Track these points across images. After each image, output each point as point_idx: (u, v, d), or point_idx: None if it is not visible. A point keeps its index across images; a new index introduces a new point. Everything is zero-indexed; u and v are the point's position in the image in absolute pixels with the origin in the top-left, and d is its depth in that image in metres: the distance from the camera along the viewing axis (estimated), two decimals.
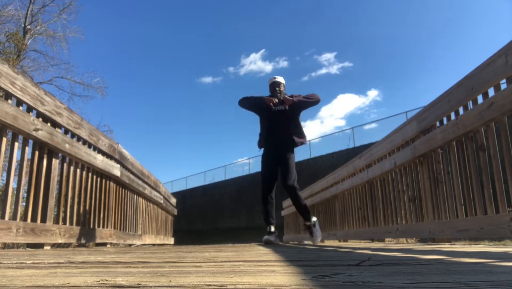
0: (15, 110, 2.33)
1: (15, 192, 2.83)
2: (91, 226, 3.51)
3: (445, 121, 2.84)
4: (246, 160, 26.18)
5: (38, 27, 18.89)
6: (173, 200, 8.54)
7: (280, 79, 4.29)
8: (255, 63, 47.87)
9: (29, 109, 2.55)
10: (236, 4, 48.81)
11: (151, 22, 46.20)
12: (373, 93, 43.59)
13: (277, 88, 4.20)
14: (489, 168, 2.33)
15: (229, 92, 46.06)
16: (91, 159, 3.42)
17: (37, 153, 2.67)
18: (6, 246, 4.17)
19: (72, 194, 3.16)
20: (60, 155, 2.97)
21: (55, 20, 19.34)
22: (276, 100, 4.08)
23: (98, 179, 3.72)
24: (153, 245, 5.79)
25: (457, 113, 2.66)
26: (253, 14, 48.96)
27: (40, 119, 2.64)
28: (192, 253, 1.95)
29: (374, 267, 1.00)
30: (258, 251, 2.15)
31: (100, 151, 3.69)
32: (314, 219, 4.20)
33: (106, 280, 0.74)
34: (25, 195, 2.66)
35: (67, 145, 2.93)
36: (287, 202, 8.68)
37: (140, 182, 5.14)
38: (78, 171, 3.28)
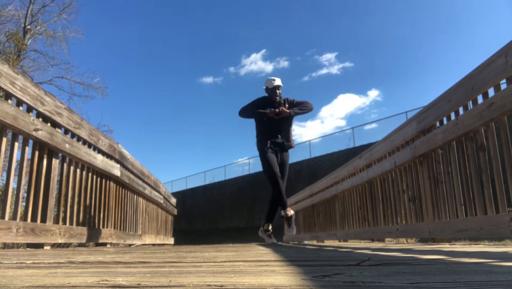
0: (15, 111, 2.33)
1: (15, 192, 2.83)
2: (91, 226, 3.51)
3: (445, 122, 2.84)
4: (246, 159, 26.20)
5: (38, 27, 18.90)
6: (173, 200, 8.54)
7: (279, 81, 4.34)
8: (256, 63, 47.90)
9: (29, 109, 2.55)
10: (237, 4, 48.81)
11: (151, 21, 46.20)
12: (373, 93, 43.64)
13: (278, 92, 4.30)
14: (489, 168, 2.33)
15: (230, 93, 46.11)
16: (91, 158, 3.42)
17: (37, 152, 2.67)
18: (6, 246, 4.17)
19: (72, 194, 3.16)
20: (60, 155, 2.97)
21: (55, 20, 19.35)
22: (278, 110, 4.18)
23: (98, 179, 3.72)
24: (153, 245, 5.79)
25: (457, 113, 2.66)
26: (254, 14, 48.97)
27: (40, 119, 2.64)
28: (192, 253, 1.95)
29: (374, 267, 1.00)
30: (258, 251, 2.15)
31: (100, 151, 3.69)
32: (292, 212, 4.37)
33: (106, 280, 0.74)
34: (25, 195, 2.66)
35: (67, 145, 2.94)
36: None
37: (140, 182, 5.14)
38: (78, 170, 3.28)
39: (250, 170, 24.88)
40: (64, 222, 3.02)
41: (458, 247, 2.34)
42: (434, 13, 44.03)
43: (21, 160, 2.55)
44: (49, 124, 2.74)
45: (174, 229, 8.70)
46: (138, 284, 0.69)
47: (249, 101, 4.36)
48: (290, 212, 4.23)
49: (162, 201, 6.87)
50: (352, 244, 4.17)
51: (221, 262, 1.24)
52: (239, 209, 22.71)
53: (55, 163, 2.86)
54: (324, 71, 42.74)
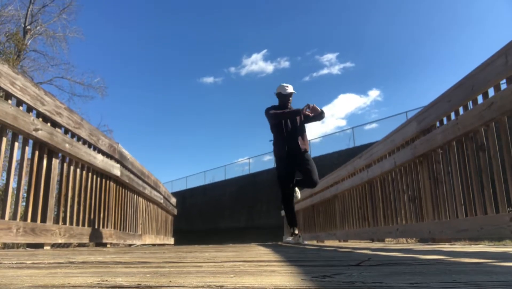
0: (15, 110, 2.33)
1: (15, 192, 2.83)
2: (91, 226, 3.51)
3: (445, 121, 2.84)
4: (246, 159, 26.20)
5: (38, 27, 18.89)
6: (173, 200, 8.54)
7: (292, 89, 4.30)
8: (257, 63, 47.93)
9: (29, 109, 2.55)
10: (238, 4, 48.82)
11: (152, 21, 46.19)
12: (374, 93, 43.63)
13: (290, 99, 4.29)
14: (489, 168, 2.33)
15: (230, 93, 46.12)
16: (91, 158, 3.42)
17: (37, 152, 2.67)
18: (6, 246, 4.17)
19: (72, 194, 3.16)
20: (60, 154, 2.97)
21: (55, 20, 19.34)
22: (309, 105, 4.18)
23: (98, 178, 3.72)
24: (153, 245, 5.79)
25: (457, 113, 2.66)
26: (255, 14, 48.98)
27: (40, 119, 2.64)
28: (192, 253, 1.95)
29: (374, 267, 1.00)
30: (258, 251, 2.15)
31: (100, 151, 3.69)
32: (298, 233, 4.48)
33: (106, 280, 0.74)
34: (25, 194, 2.66)
35: (67, 145, 2.93)
36: None
37: (140, 182, 5.14)
38: (78, 170, 3.28)
39: (250, 170, 24.89)
40: (64, 222, 3.02)
41: (458, 247, 2.34)
42: (435, 13, 44.04)
43: (21, 159, 2.55)
44: (49, 124, 2.74)
45: (174, 229, 8.70)
46: (138, 284, 0.69)
47: (268, 108, 4.31)
48: (296, 231, 4.37)
49: (162, 201, 6.87)
50: (352, 244, 4.17)
51: (221, 262, 1.24)
52: (239, 209, 22.70)
53: (55, 162, 2.86)
54: (325, 71, 42.76)
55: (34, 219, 2.60)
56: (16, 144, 2.44)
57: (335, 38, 48.39)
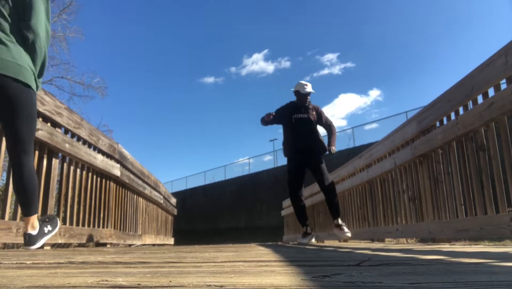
0: None
1: (15, 192, 2.82)
2: (91, 226, 3.51)
3: (445, 121, 2.84)
4: (247, 159, 26.23)
5: None
6: (173, 200, 8.54)
7: (311, 88, 4.24)
8: (257, 63, 47.96)
9: None
10: (239, 4, 48.84)
11: (152, 21, 46.23)
12: (374, 93, 43.67)
13: (308, 98, 4.23)
14: (489, 168, 2.33)
15: (231, 93, 46.12)
16: (91, 158, 3.42)
17: (37, 152, 2.66)
18: (6, 246, 4.17)
19: (72, 194, 3.15)
20: (60, 154, 2.97)
21: (55, 20, 19.33)
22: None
23: (98, 178, 3.72)
24: (153, 245, 5.79)
25: (457, 113, 2.66)
26: (256, 14, 49.01)
27: (40, 119, 2.64)
28: (192, 253, 1.95)
29: (374, 267, 1.00)
30: (258, 251, 2.15)
31: (100, 151, 3.69)
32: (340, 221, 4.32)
33: (106, 280, 0.74)
34: None
35: (67, 145, 2.93)
36: (287, 202, 8.68)
37: (140, 182, 5.14)
38: (78, 170, 3.28)
39: (250, 170, 24.91)
40: (64, 222, 3.02)
41: (458, 247, 2.34)
42: (436, 14, 44.06)
43: None
44: (49, 124, 2.74)
45: (174, 229, 8.70)
46: (138, 284, 0.69)
47: (277, 108, 4.32)
48: (309, 230, 4.33)
49: (162, 201, 6.87)
50: (352, 244, 4.17)
51: (221, 262, 1.24)
52: (239, 209, 22.70)
53: (55, 162, 2.86)
54: (325, 71, 42.83)
55: None
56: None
57: (336, 39, 48.45)
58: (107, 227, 3.90)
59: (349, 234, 4.14)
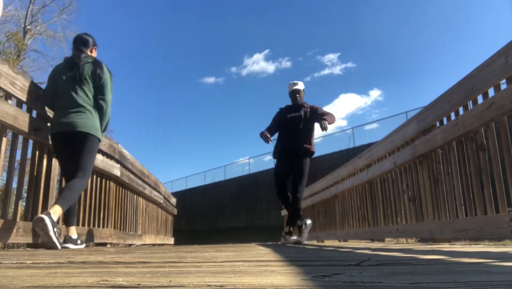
0: (15, 111, 2.33)
1: (15, 192, 2.83)
2: (91, 226, 3.51)
3: (445, 122, 2.84)
4: (247, 159, 26.18)
5: (38, 27, 18.91)
6: (173, 200, 8.54)
7: (299, 85, 4.23)
8: (258, 63, 47.99)
9: (29, 109, 2.55)
10: (241, 4, 48.84)
11: (153, 21, 46.24)
12: (375, 93, 43.67)
13: (297, 96, 4.19)
14: (489, 168, 2.33)
15: (231, 93, 46.13)
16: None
17: (37, 152, 2.67)
18: (6, 246, 4.17)
19: None
20: None
21: (55, 20, 19.36)
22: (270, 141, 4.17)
23: (98, 178, 3.71)
24: (153, 245, 5.79)
25: (457, 113, 2.66)
26: (257, 14, 49.02)
27: (40, 119, 2.64)
28: (192, 253, 1.95)
29: (374, 267, 1.00)
30: (258, 251, 2.15)
31: (100, 151, 3.68)
32: (309, 221, 4.34)
33: (106, 280, 0.74)
34: (25, 194, 2.66)
35: None
36: None
37: (140, 182, 5.14)
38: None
39: (250, 170, 24.88)
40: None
41: (458, 247, 2.34)
42: (436, 14, 44.06)
43: (21, 159, 2.55)
44: (49, 124, 2.74)
45: (174, 229, 8.70)
46: (138, 284, 0.69)
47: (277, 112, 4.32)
48: (300, 222, 4.22)
49: (162, 201, 6.87)
50: (352, 244, 4.16)
51: (221, 262, 1.24)
52: (239, 209, 22.70)
53: (55, 162, 2.86)
54: (326, 71, 42.84)
55: None
56: (17, 144, 2.44)
57: (336, 39, 48.46)
58: (107, 227, 3.90)
59: (304, 240, 4.14)
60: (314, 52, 46.53)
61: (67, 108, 2.67)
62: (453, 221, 2.72)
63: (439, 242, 2.99)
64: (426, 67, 45.04)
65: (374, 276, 0.79)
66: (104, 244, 3.79)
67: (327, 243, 5.53)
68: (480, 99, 2.38)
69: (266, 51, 50.39)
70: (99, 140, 2.82)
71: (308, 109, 4.16)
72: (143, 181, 5.35)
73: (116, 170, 4.03)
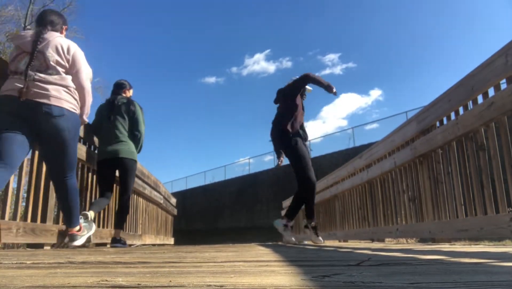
0: None
1: (15, 192, 2.83)
2: None
3: (445, 121, 2.84)
4: (247, 159, 26.19)
5: None
6: (173, 200, 8.53)
7: (290, 79, 4.15)
8: (259, 63, 48.04)
9: None
10: (241, 4, 48.86)
11: (153, 21, 46.26)
12: (375, 93, 43.70)
13: (288, 86, 4.12)
14: (489, 168, 2.33)
15: (232, 93, 46.15)
16: (91, 159, 3.42)
17: (37, 153, 2.66)
18: (6, 246, 4.17)
19: None
20: None
21: None
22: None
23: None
24: (153, 245, 5.79)
25: (457, 113, 2.66)
26: (258, 14, 49.04)
27: None
28: (192, 253, 1.95)
29: (374, 267, 1.00)
30: (258, 251, 2.15)
31: None
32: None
33: (106, 280, 0.74)
34: (25, 195, 2.66)
35: None
36: (287, 202, 8.68)
37: (140, 182, 5.13)
38: (79, 171, 3.28)
39: (250, 170, 24.88)
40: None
41: (458, 247, 2.35)
42: (436, 14, 44.08)
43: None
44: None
45: (174, 229, 8.70)
46: (138, 284, 0.69)
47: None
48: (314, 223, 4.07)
49: (162, 201, 6.87)
50: (352, 244, 4.16)
51: (221, 262, 1.24)
52: (239, 209, 22.69)
53: None
54: (327, 71, 42.81)
55: (34, 219, 2.60)
56: None
57: (337, 39, 48.49)
58: (107, 227, 3.90)
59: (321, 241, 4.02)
60: (315, 52, 46.60)
61: (110, 140, 3.39)
62: (453, 221, 2.72)
63: (439, 242, 2.99)
64: (427, 67, 45.09)
65: (374, 276, 0.79)
66: (104, 244, 3.79)
67: (327, 243, 5.52)
68: (480, 99, 2.38)
69: (267, 51, 50.48)
70: (136, 161, 3.54)
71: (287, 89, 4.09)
72: (143, 181, 5.35)
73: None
